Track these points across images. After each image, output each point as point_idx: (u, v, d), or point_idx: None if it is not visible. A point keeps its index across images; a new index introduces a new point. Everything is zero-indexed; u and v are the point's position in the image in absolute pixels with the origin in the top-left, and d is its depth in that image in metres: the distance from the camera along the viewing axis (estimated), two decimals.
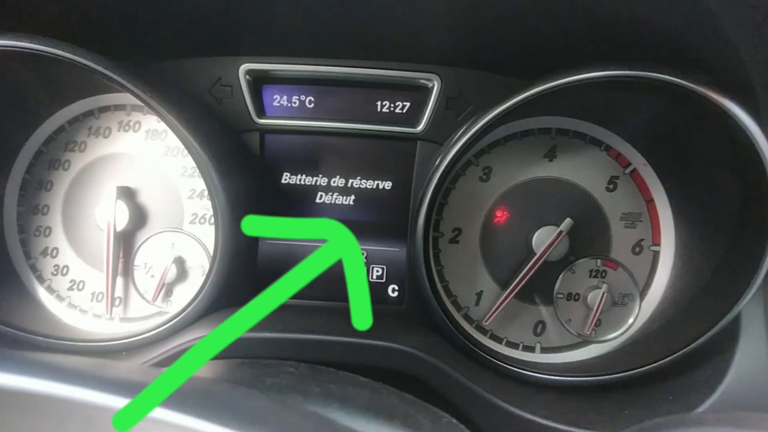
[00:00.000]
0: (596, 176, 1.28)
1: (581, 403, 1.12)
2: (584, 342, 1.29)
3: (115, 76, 1.01)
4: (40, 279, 1.30)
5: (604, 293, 1.23)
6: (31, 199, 1.30)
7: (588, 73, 0.99)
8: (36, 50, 0.98)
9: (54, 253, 1.30)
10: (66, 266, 1.30)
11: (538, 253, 1.22)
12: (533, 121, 1.28)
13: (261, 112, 1.25)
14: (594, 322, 1.24)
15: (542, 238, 1.23)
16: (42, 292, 1.30)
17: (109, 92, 1.28)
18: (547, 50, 1.12)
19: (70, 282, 1.30)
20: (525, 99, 1.04)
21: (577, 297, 1.28)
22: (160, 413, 0.44)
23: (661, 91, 1.00)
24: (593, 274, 1.27)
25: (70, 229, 1.30)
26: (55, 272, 1.30)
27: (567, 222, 1.23)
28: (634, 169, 1.28)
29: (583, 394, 1.15)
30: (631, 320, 1.26)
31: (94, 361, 0.56)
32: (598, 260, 1.27)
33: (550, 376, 1.15)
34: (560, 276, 1.27)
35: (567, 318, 1.28)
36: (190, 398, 0.47)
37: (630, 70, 0.97)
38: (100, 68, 1.00)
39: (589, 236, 1.27)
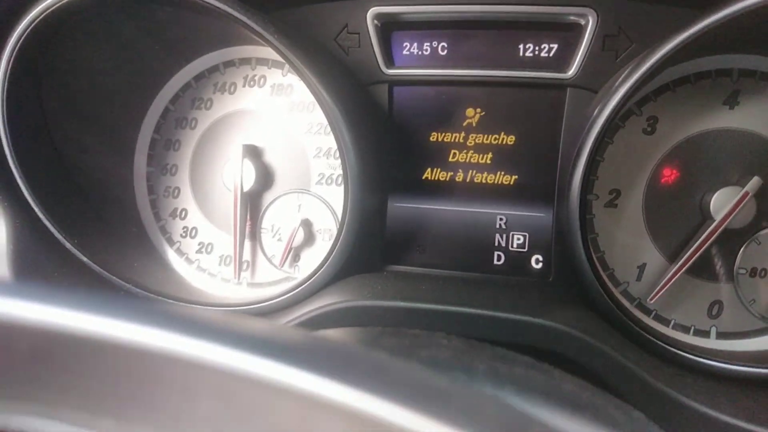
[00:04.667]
0: None
1: None
2: None
3: (252, 24, 0.93)
4: (170, 241, 1.30)
5: None
6: (160, 159, 1.29)
7: None
8: None
9: (183, 215, 1.29)
10: (194, 228, 1.29)
11: (718, 220, 1.02)
12: (709, 60, 1.07)
13: (390, 61, 1.14)
14: None
15: (722, 202, 1.03)
16: (171, 255, 1.30)
17: (233, 45, 1.23)
18: None
19: (199, 244, 1.29)
20: (704, 30, 0.84)
21: (763, 273, 1.07)
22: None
23: None
24: None
25: (197, 190, 1.28)
26: (183, 234, 1.29)
27: (754, 181, 1.01)
28: None
29: None
30: None
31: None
32: None
33: (735, 367, 0.96)
34: (743, 247, 1.07)
35: (750, 298, 1.08)
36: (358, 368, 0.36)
37: None
38: (238, 14, 0.92)
39: None
